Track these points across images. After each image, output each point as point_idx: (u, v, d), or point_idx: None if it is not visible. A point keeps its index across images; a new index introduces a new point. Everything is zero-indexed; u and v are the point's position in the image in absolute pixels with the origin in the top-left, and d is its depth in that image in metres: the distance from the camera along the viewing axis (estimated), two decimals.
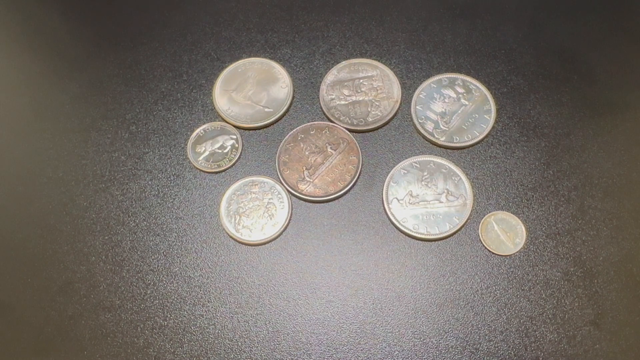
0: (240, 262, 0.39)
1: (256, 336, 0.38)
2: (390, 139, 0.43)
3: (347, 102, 0.43)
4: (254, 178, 0.41)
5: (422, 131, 0.42)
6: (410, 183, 0.40)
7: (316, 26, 0.46)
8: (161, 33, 0.47)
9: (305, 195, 0.40)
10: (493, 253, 0.39)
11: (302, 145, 0.42)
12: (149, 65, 0.46)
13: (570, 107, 0.43)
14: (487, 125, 0.42)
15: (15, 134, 0.44)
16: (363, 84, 0.43)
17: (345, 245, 0.40)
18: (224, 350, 0.37)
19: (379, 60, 0.44)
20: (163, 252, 0.40)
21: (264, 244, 0.40)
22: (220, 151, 0.42)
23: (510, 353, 0.37)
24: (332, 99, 0.43)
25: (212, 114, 0.44)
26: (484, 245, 0.39)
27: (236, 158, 0.42)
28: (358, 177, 0.41)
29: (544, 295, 0.38)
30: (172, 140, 0.43)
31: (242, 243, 0.40)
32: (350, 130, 0.42)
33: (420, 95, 0.43)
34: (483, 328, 0.37)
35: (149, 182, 0.42)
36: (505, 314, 0.38)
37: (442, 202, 0.40)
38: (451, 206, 0.40)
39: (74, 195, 0.42)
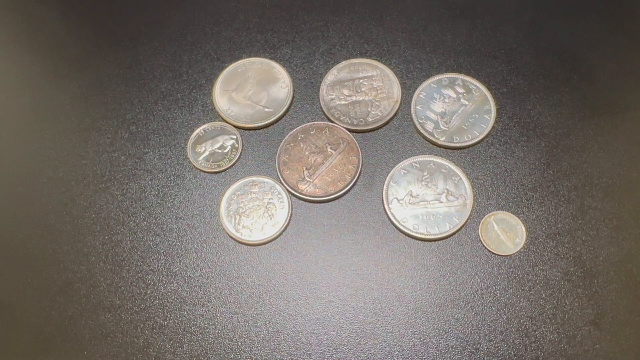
0: (240, 262, 0.39)
1: (256, 336, 0.38)
2: (390, 139, 0.43)
3: (347, 102, 0.43)
4: (254, 178, 0.41)
5: (422, 131, 0.42)
6: (410, 183, 0.40)
7: (316, 26, 0.46)
8: (161, 33, 0.47)
9: (305, 195, 0.40)
10: (493, 253, 0.39)
11: (302, 145, 0.42)
12: (149, 65, 0.46)
13: (570, 107, 0.43)
14: (487, 125, 0.42)
15: (15, 134, 0.44)
16: (363, 84, 0.43)
17: (345, 245, 0.40)
18: (224, 350, 0.37)
19: (379, 60, 0.44)
20: (163, 252, 0.40)
21: (264, 244, 0.40)
22: (220, 151, 0.42)
23: (510, 353, 0.37)
24: (332, 99, 0.43)
25: (212, 114, 0.44)
26: (484, 245, 0.39)
27: (236, 158, 0.42)
28: (358, 177, 0.41)
29: (544, 295, 0.38)
30: (172, 140, 0.43)
31: (242, 243, 0.40)
32: (350, 130, 0.42)
33: (420, 95, 0.43)
34: (483, 328, 0.37)
35: (149, 182, 0.42)
36: (505, 314, 0.38)
37: (442, 202, 0.40)
38: (451, 206, 0.40)
39: (74, 195, 0.42)
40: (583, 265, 0.39)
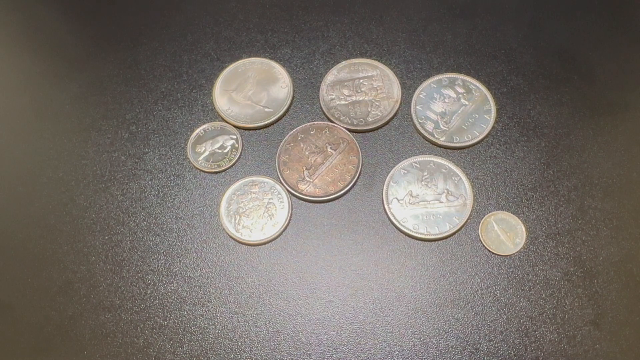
0: (240, 262, 0.39)
1: (256, 336, 0.38)
2: (390, 139, 0.43)
3: (347, 102, 0.43)
4: (254, 178, 0.41)
5: (422, 131, 0.42)
6: (410, 183, 0.40)
7: (316, 26, 0.46)
8: (161, 33, 0.47)
9: (305, 195, 0.40)
10: (493, 253, 0.39)
11: (302, 145, 0.42)
12: (149, 65, 0.46)
13: (570, 107, 0.43)
14: (487, 125, 0.42)
15: (15, 134, 0.44)
16: (363, 84, 0.43)
17: (345, 245, 0.40)
18: (224, 350, 0.37)
19: (379, 60, 0.44)
20: (163, 252, 0.40)
21: (264, 244, 0.40)
22: (220, 151, 0.42)
23: (510, 353, 0.37)
24: (332, 99, 0.43)
25: (212, 114, 0.44)
26: (484, 245, 0.39)
27: (236, 158, 0.42)
28: (358, 177, 0.41)
29: (544, 295, 0.38)
30: (172, 140, 0.43)
31: (242, 243, 0.40)
32: (350, 130, 0.42)
33: (420, 95, 0.43)
34: (483, 328, 0.37)
35: (149, 182, 0.42)
36: (505, 314, 0.38)
37: (442, 202, 0.40)
38: (451, 206, 0.40)
39: (74, 195, 0.42)
40: (583, 265, 0.39)
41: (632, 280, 0.38)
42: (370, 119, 0.42)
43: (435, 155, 0.42)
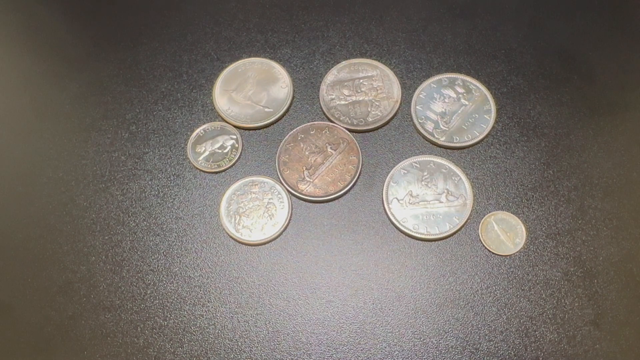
0: (240, 262, 0.39)
1: (256, 336, 0.38)
2: (390, 139, 0.43)
3: (347, 102, 0.43)
4: (254, 178, 0.41)
5: (422, 131, 0.42)
6: (410, 183, 0.40)
7: (316, 26, 0.46)
8: (161, 33, 0.47)
9: (305, 195, 0.40)
10: (493, 253, 0.39)
11: (302, 145, 0.42)
12: (149, 65, 0.46)
13: (570, 107, 0.43)
14: (487, 125, 0.42)
15: (15, 134, 0.44)
16: (363, 84, 0.43)
17: (345, 245, 0.40)
18: (224, 350, 0.37)
19: (379, 60, 0.44)
20: (163, 252, 0.40)
21: (264, 244, 0.40)
22: (220, 151, 0.42)
23: (510, 353, 0.37)
24: (332, 99, 0.43)
25: (212, 114, 0.44)
26: (484, 245, 0.39)
27: (236, 158, 0.42)
28: (358, 177, 0.41)
29: (544, 295, 0.38)
30: (172, 140, 0.43)
31: (242, 243, 0.40)
32: (350, 130, 0.42)
33: (420, 95, 0.43)
34: (483, 328, 0.37)
35: (149, 182, 0.42)
36: (505, 314, 0.38)
37: (442, 202, 0.40)
38: (451, 206, 0.40)
39: (74, 195, 0.42)
40: (583, 265, 0.39)
41: (632, 280, 0.38)
42: (370, 119, 0.42)
43: (435, 155, 0.42)
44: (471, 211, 0.40)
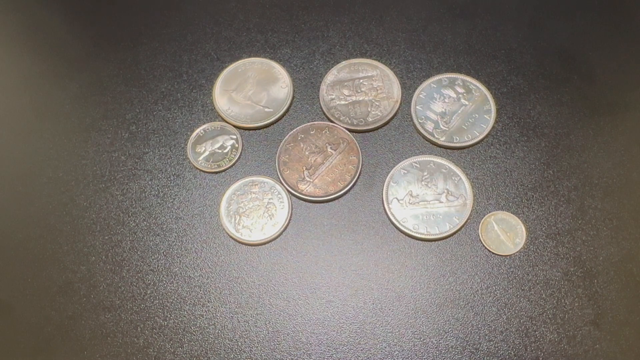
0: (240, 262, 0.39)
1: (256, 336, 0.38)
2: (390, 139, 0.43)
3: (347, 102, 0.43)
4: (254, 178, 0.41)
5: (422, 131, 0.42)
6: (410, 183, 0.40)
7: (316, 26, 0.46)
8: (161, 33, 0.47)
9: (305, 195, 0.40)
10: (493, 253, 0.39)
11: (302, 145, 0.42)
12: (149, 65, 0.46)
13: (570, 107, 0.43)
14: (487, 125, 0.42)
15: (15, 134, 0.44)
16: (363, 84, 0.43)
17: (345, 245, 0.40)
18: (224, 350, 0.37)
19: (379, 60, 0.44)
20: (163, 252, 0.40)
21: (264, 244, 0.40)
22: (220, 151, 0.42)
23: (510, 353, 0.37)
24: (332, 99, 0.43)
25: (212, 114, 0.44)
26: (484, 245, 0.39)
27: (236, 158, 0.42)
28: (358, 177, 0.41)
29: (544, 295, 0.38)
30: (172, 140, 0.43)
31: (242, 243, 0.40)
32: (350, 130, 0.42)
33: (420, 95, 0.43)
34: (483, 328, 0.37)
35: (149, 182, 0.42)
36: (505, 314, 0.38)
37: (442, 202, 0.40)
38: (451, 206, 0.40)
39: (74, 195, 0.42)
40: (583, 265, 0.39)
41: (632, 280, 0.38)
42: (370, 119, 0.42)
43: (435, 155, 0.42)
44: (471, 211, 0.40)
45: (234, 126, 0.43)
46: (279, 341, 0.38)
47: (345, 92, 0.43)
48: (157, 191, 0.42)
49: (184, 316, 0.38)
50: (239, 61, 0.45)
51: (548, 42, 0.45)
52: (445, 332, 0.37)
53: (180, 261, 0.40)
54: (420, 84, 0.44)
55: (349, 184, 0.40)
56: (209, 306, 0.38)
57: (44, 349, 0.38)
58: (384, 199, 0.40)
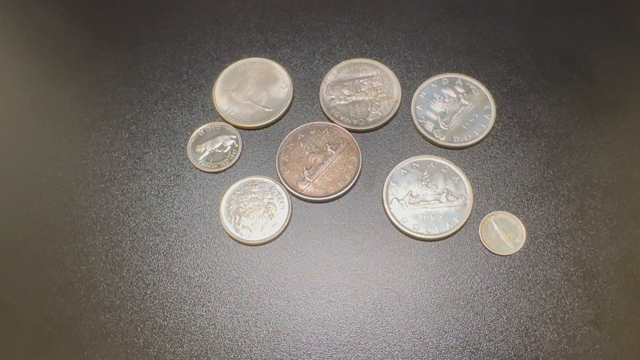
0: (240, 262, 0.39)
1: (256, 336, 0.38)
2: (390, 139, 0.43)
3: (347, 102, 0.43)
4: (254, 178, 0.41)
5: (422, 131, 0.42)
6: (410, 183, 0.40)
7: (316, 26, 0.46)
8: (161, 33, 0.47)
9: (305, 195, 0.40)
10: (493, 253, 0.39)
11: (302, 145, 0.42)
12: (149, 65, 0.46)
13: (570, 107, 0.43)
14: (487, 125, 0.42)
15: (15, 134, 0.44)
16: (363, 84, 0.43)
17: (345, 245, 0.40)
18: (224, 350, 0.37)
19: (379, 60, 0.44)
20: (163, 252, 0.40)
21: (264, 244, 0.40)
22: (220, 151, 0.42)
23: (510, 353, 0.37)
24: (332, 99, 0.43)
25: (212, 114, 0.44)
26: (484, 245, 0.39)
27: (236, 158, 0.42)
28: (358, 177, 0.41)
29: (544, 295, 0.38)
30: (172, 140, 0.43)
31: (242, 243, 0.40)
32: (350, 130, 0.42)
33: (420, 95, 0.43)
34: (483, 328, 0.37)
35: (149, 182, 0.42)
36: (505, 314, 0.38)
37: (442, 202, 0.40)
38: (451, 206, 0.40)
39: (74, 195, 0.42)
40: (583, 265, 0.39)
41: (632, 280, 0.38)
42: (370, 119, 0.42)
43: (435, 155, 0.42)
44: (471, 211, 0.40)
45: (234, 126, 0.43)
46: (279, 341, 0.38)
47: (345, 92, 0.43)
48: (157, 191, 0.42)
49: (184, 316, 0.38)
50: (239, 61, 0.45)
51: (548, 42, 0.45)
52: (445, 332, 0.37)
53: (180, 261, 0.40)
54: (420, 84, 0.44)
55: (349, 184, 0.40)
56: (209, 306, 0.38)
57: (44, 349, 0.38)
58: (384, 199, 0.40)
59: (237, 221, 0.40)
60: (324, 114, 0.43)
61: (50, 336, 0.38)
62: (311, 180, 0.41)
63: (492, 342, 0.37)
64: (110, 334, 0.38)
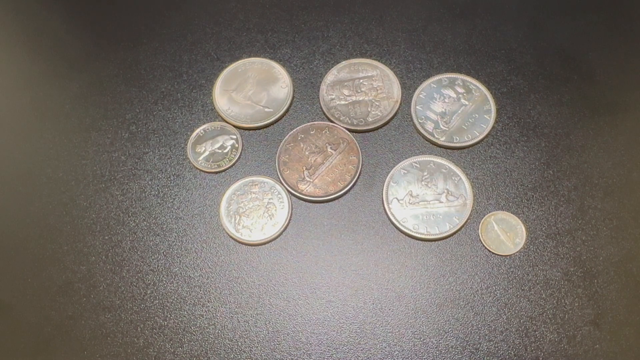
0: (240, 262, 0.39)
1: (256, 336, 0.38)
2: (390, 139, 0.43)
3: (347, 102, 0.43)
4: (254, 178, 0.41)
5: (422, 131, 0.42)
6: (410, 183, 0.40)
7: (316, 26, 0.46)
8: (161, 33, 0.47)
9: (305, 195, 0.40)
10: (493, 253, 0.39)
11: (302, 145, 0.42)
12: (149, 65, 0.46)
13: (570, 107, 0.43)
14: (487, 125, 0.42)
15: (15, 134, 0.44)
16: (363, 84, 0.43)
17: (345, 245, 0.40)
18: (224, 350, 0.37)
19: (379, 60, 0.44)
20: (163, 252, 0.40)
21: (264, 244, 0.40)
22: (220, 151, 0.42)
23: (510, 353, 0.37)
24: (332, 99, 0.43)
25: (212, 114, 0.44)
26: (484, 245, 0.39)
27: (236, 158, 0.42)
28: (358, 177, 0.41)
29: (544, 295, 0.38)
30: (172, 140, 0.43)
31: (242, 243, 0.40)
32: (350, 130, 0.42)
33: (420, 95, 0.43)
34: (483, 328, 0.37)
35: (149, 182, 0.42)
36: (505, 314, 0.38)
37: (442, 202, 0.40)
38: (451, 206, 0.40)
39: (74, 195, 0.42)
40: (583, 265, 0.39)
41: (632, 280, 0.38)
42: (370, 119, 0.42)
43: (435, 155, 0.42)
44: (471, 211, 0.40)
45: (234, 126, 0.43)
46: (279, 341, 0.38)
47: (345, 92, 0.43)
48: (157, 191, 0.42)
49: (184, 316, 0.38)
50: (239, 61, 0.45)
51: (548, 42, 0.45)
52: (445, 332, 0.37)
53: (180, 261, 0.40)
54: (420, 84, 0.44)
55: (349, 184, 0.40)
56: (209, 306, 0.38)
57: (44, 349, 0.38)
58: (384, 199, 0.40)
59: (237, 221, 0.40)
60: (324, 114, 0.43)
61: (50, 336, 0.38)
62: (311, 180, 0.41)
63: (492, 342, 0.37)
64: (110, 334, 0.38)
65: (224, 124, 0.43)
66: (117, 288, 0.39)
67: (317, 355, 0.37)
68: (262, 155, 0.42)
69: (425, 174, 0.41)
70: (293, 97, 0.44)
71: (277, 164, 0.41)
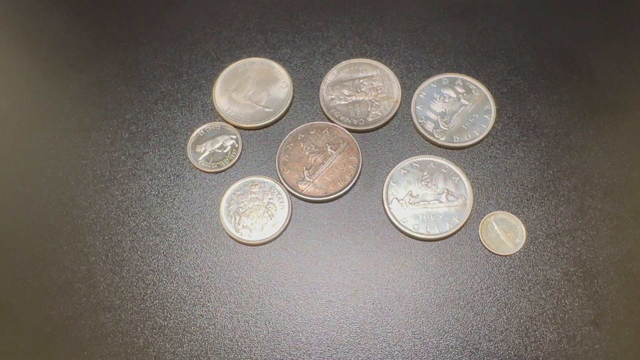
0: (240, 262, 0.39)
1: (256, 336, 0.38)
2: (390, 139, 0.43)
3: (347, 102, 0.43)
4: (254, 178, 0.41)
5: (422, 131, 0.42)
6: (410, 183, 0.40)
7: (316, 26, 0.46)
8: (161, 33, 0.47)
9: (305, 195, 0.40)
10: (493, 253, 0.39)
11: (302, 145, 0.42)
12: (149, 65, 0.46)
13: (570, 107, 0.43)
14: (487, 125, 0.42)
15: (15, 134, 0.44)
16: (363, 84, 0.43)
17: (345, 245, 0.40)
18: (224, 350, 0.37)
19: (379, 60, 0.44)
20: (163, 252, 0.40)
21: (264, 244, 0.40)
22: (220, 151, 0.42)
23: (510, 353, 0.37)
24: (332, 99, 0.43)
25: (212, 114, 0.44)
26: (484, 245, 0.39)
27: (236, 158, 0.42)
28: (358, 177, 0.41)
29: (544, 295, 0.38)
30: (172, 140, 0.43)
31: (242, 243, 0.40)
32: (350, 130, 0.42)
33: (420, 95, 0.43)
34: (483, 328, 0.37)
35: (149, 182, 0.42)
36: (505, 314, 0.38)
37: (442, 202, 0.40)
38: (451, 206, 0.40)
39: (74, 195, 0.42)
40: (583, 265, 0.39)
41: (632, 280, 0.38)
42: (370, 119, 0.42)
43: (435, 155, 0.42)
44: (471, 211, 0.40)
45: (234, 126, 0.43)
46: (279, 341, 0.38)
47: (345, 92, 0.43)
48: (157, 191, 0.42)
49: (184, 316, 0.38)
50: (239, 61, 0.45)
51: (548, 42, 0.45)
52: (445, 332, 0.37)
53: (180, 261, 0.40)
54: (420, 84, 0.44)
55: (349, 184, 0.40)
56: (209, 306, 0.38)
57: (44, 349, 0.38)
58: (384, 199, 0.40)
59: (237, 221, 0.40)
60: (324, 114, 0.43)
61: (50, 336, 0.38)
62: (311, 180, 0.41)
63: (492, 342, 0.37)
64: (110, 334, 0.38)
65: (224, 124, 0.43)
66: (117, 288, 0.39)
67: (317, 355, 0.37)
68: (262, 155, 0.42)
69: (425, 174, 0.41)
70: (293, 97, 0.44)
71: (277, 164, 0.41)
